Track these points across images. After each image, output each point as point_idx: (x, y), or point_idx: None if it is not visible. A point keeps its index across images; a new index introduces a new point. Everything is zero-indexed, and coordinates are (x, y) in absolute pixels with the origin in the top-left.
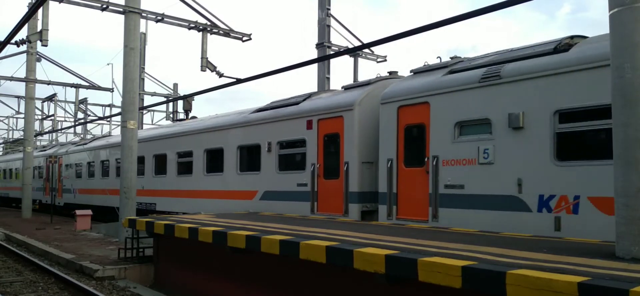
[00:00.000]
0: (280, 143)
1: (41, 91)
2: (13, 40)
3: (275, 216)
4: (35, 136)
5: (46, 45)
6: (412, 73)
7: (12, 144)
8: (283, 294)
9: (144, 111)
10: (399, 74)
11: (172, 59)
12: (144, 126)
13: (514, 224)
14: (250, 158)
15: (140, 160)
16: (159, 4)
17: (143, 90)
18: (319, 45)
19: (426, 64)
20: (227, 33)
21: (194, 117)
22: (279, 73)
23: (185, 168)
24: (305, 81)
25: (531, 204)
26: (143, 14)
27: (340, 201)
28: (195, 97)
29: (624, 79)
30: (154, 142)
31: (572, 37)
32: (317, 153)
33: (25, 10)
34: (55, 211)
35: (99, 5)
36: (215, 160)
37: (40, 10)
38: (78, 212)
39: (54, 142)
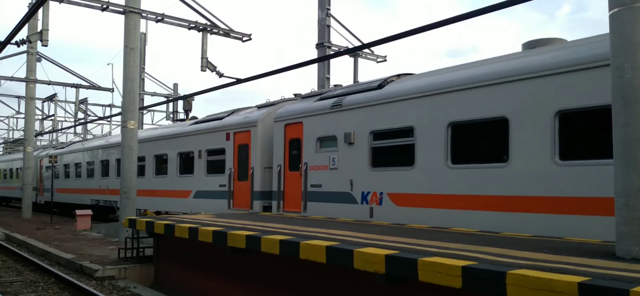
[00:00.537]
0: (208, 151)
1: (41, 91)
2: (13, 41)
3: (275, 216)
4: (36, 136)
5: (46, 46)
6: (299, 97)
7: (12, 144)
8: (283, 294)
9: (144, 111)
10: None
11: (172, 59)
12: (144, 126)
13: (348, 212)
14: (186, 163)
15: (108, 164)
16: (159, 4)
17: (143, 90)
18: (319, 46)
19: (312, 90)
20: (227, 33)
21: (194, 117)
22: (279, 73)
23: (140, 171)
24: (305, 81)
25: (357, 198)
26: (143, 14)
27: (248, 198)
28: (196, 97)
29: (624, 79)
30: (119, 148)
31: (398, 75)
32: (233, 160)
33: (25, 10)
34: (36, 208)
35: (99, 5)
36: (161, 164)
37: (40, 11)
38: (78, 212)
39: (40, 145)
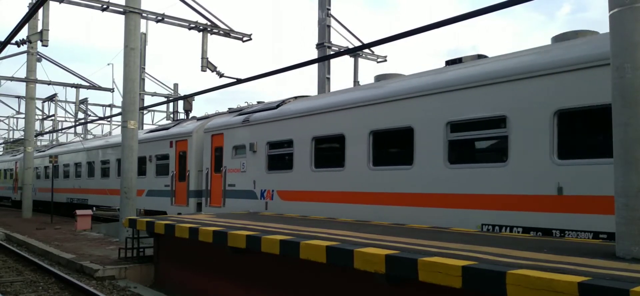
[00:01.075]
0: (156, 156)
1: (42, 91)
2: (13, 41)
3: (276, 216)
4: (36, 136)
5: (46, 46)
6: (228, 111)
7: (12, 144)
8: (283, 294)
9: (145, 111)
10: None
11: (172, 59)
12: (144, 126)
13: (252, 206)
14: (141, 166)
15: (80, 165)
16: (159, 4)
17: (143, 90)
18: (319, 46)
19: (238, 106)
20: (228, 33)
21: (194, 117)
22: (279, 73)
23: (106, 173)
24: (305, 81)
25: (258, 194)
26: (143, 14)
27: (185, 196)
28: (196, 98)
29: (624, 79)
30: (92, 151)
31: (295, 97)
32: (175, 164)
33: (25, 10)
34: (14, 205)
35: (100, 5)
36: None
37: (40, 11)
38: (78, 212)
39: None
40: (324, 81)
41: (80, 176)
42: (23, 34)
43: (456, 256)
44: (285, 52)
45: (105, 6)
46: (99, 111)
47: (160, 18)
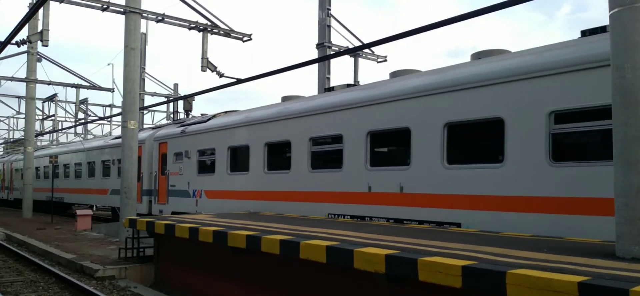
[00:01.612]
0: (118, 160)
1: (42, 91)
2: (14, 41)
3: (276, 216)
4: (36, 136)
5: (47, 46)
6: (173, 123)
7: (13, 144)
8: (283, 294)
9: (145, 111)
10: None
11: (172, 59)
12: (144, 126)
13: (187, 203)
14: (105, 168)
15: (61, 167)
16: (160, 4)
17: (143, 90)
18: (319, 46)
19: (184, 118)
20: (228, 33)
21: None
22: (279, 73)
23: (79, 174)
24: (305, 81)
25: (191, 193)
26: (143, 14)
27: (140, 195)
28: (196, 98)
29: (624, 79)
30: (68, 155)
31: (226, 111)
32: (146, 165)
33: (25, 10)
34: (3, 203)
35: (100, 5)
36: (92, 169)
37: (40, 11)
38: (78, 212)
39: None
40: (324, 81)
41: (57, 176)
42: (23, 34)
43: (456, 256)
44: (285, 52)
45: (105, 6)
46: (99, 111)
47: (161, 18)
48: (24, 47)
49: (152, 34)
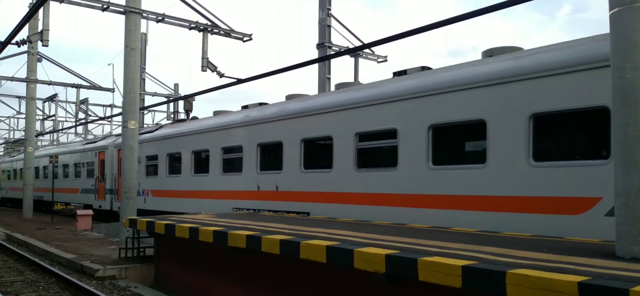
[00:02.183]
0: (87, 163)
1: (42, 91)
2: (14, 41)
3: (276, 216)
4: (36, 136)
5: (47, 46)
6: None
7: (13, 144)
8: (283, 294)
9: (145, 111)
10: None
11: (172, 60)
12: (145, 127)
13: (138, 202)
14: (76, 169)
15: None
16: (160, 4)
17: (144, 90)
18: (320, 46)
19: (158, 123)
20: (228, 33)
21: (195, 117)
22: (279, 73)
23: (56, 175)
24: (306, 81)
25: (141, 192)
26: (144, 14)
27: (103, 193)
28: (196, 98)
29: (624, 79)
30: (44, 158)
31: (172, 122)
32: (98, 169)
33: (26, 10)
34: None
35: (100, 5)
36: (66, 170)
37: (40, 11)
38: (79, 212)
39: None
40: (324, 81)
41: (38, 176)
42: (23, 34)
43: (456, 256)
44: (285, 53)
45: (105, 6)
46: (100, 111)
47: (161, 18)
48: (24, 47)
49: (152, 34)
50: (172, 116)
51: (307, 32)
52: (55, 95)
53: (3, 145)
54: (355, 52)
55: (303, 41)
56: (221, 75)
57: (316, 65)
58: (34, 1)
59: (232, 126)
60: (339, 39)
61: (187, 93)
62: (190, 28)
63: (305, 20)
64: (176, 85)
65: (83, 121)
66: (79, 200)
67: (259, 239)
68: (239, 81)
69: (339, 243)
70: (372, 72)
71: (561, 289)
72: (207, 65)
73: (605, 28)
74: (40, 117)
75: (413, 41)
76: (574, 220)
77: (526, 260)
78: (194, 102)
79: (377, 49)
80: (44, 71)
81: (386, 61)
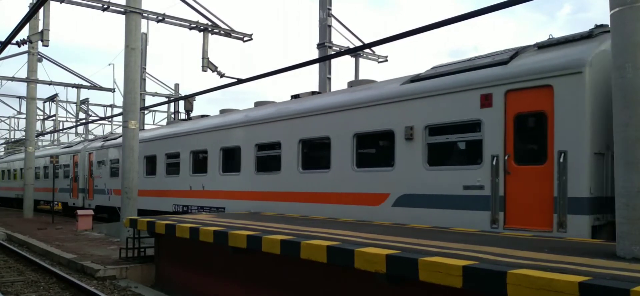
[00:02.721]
0: (64, 165)
1: (42, 91)
2: (14, 41)
3: (277, 216)
4: (37, 136)
5: (47, 46)
6: (102, 139)
7: (14, 144)
8: (284, 294)
9: (146, 112)
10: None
11: (173, 60)
12: (145, 127)
13: (104, 199)
14: (55, 170)
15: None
16: (160, 4)
17: (144, 90)
18: (320, 46)
19: (109, 133)
20: (228, 33)
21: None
22: (280, 73)
23: (38, 176)
24: (306, 81)
25: (106, 191)
26: (144, 14)
27: (77, 191)
28: (197, 98)
29: (625, 79)
30: (15, 162)
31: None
32: (72, 170)
33: (26, 10)
34: None
35: (100, 5)
36: (46, 172)
37: (41, 11)
38: (79, 212)
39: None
40: (325, 81)
41: (10, 178)
42: (24, 34)
43: (457, 256)
44: (285, 52)
45: (105, 6)
46: (100, 111)
47: (161, 18)
48: (25, 47)
49: (152, 34)
50: (172, 116)
51: (307, 32)
52: (55, 95)
53: (3, 145)
54: (355, 52)
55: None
56: (221, 75)
57: (316, 65)
58: (35, 1)
59: (173, 136)
60: (339, 39)
61: (188, 93)
62: (191, 28)
63: (306, 20)
64: (177, 85)
65: (83, 121)
66: (57, 198)
67: (260, 239)
68: (239, 81)
69: (340, 243)
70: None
71: (562, 289)
72: (208, 65)
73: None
74: (41, 118)
75: (413, 41)
76: (377, 209)
77: (527, 260)
78: (194, 102)
79: (378, 49)
80: (44, 71)
81: (386, 61)
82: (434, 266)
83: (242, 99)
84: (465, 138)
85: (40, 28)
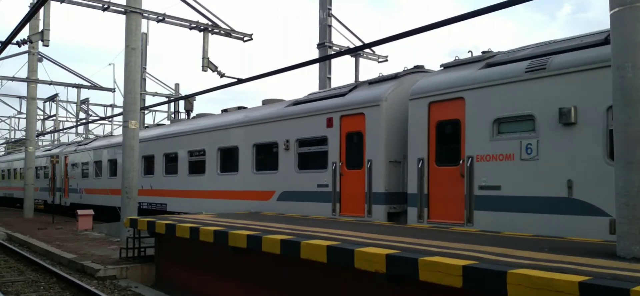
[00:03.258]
0: (43, 167)
1: (43, 91)
2: (14, 41)
3: (277, 216)
4: (37, 136)
5: (47, 46)
6: (76, 144)
7: (14, 144)
8: (284, 293)
9: (146, 111)
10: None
11: (173, 59)
12: (146, 126)
13: (77, 198)
14: (36, 172)
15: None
16: (160, 4)
17: (144, 90)
18: (320, 46)
19: (86, 137)
20: (229, 33)
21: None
22: (280, 73)
23: (22, 176)
24: (306, 81)
25: (78, 190)
26: (144, 14)
27: (54, 190)
28: (197, 97)
29: (625, 79)
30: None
31: (104, 136)
32: (51, 171)
33: (26, 10)
34: None
35: (100, 5)
36: (16, 173)
37: (41, 10)
38: (80, 212)
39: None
40: (325, 81)
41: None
42: (24, 34)
43: (457, 256)
44: (286, 52)
45: (106, 6)
46: (100, 111)
47: (161, 18)
48: (25, 47)
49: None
50: (172, 115)
51: (307, 32)
52: (56, 95)
53: (4, 145)
54: (355, 52)
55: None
56: (222, 75)
57: (317, 65)
58: (35, 1)
59: (118, 145)
60: (339, 38)
61: (188, 93)
62: (191, 28)
63: (306, 20)
64: (177, 85)
65: (84, 120)
66: (38, 196)
67: (260, 239)
68: (240, 81)
69: (340, 243)
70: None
71: (562, 289)
72: (208, 65)
73: (605, 27)
74: (41, 117)
75: (414, 41)
76: (267, 203)
77: (527, 259)
78: (194, 102)
79: (378, 49)
80: (44, 70)
81: (387, 60)
82: (434, 266)
83: (243, 98)
84: (318, 149)
85: (41, 28)
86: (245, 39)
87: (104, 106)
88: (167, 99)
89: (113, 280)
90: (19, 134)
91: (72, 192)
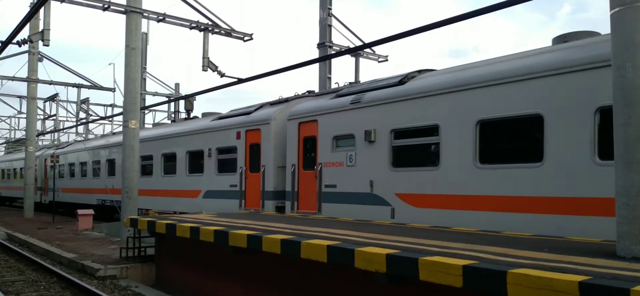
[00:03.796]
0: (21, 168)
1: (43, 90)
2: (15, 40)
3: (277, 216)
4: (37, 135)
5: (48, 45)
6: (55, 147)
7: (14, 144)
8: (284, 293)
9: (146, 111)
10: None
11: (173, 59)
12: (145, 126)
13: (56, 196)
14: (21, 172)
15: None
16: (161, 4)
17: (145, 90)
18: (320, 45)
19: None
20: (229, 33)
21: (195, 117)
22: (280, 73)
23: (8, 176)
24: (306, 81)
25: (56, 190)
26: (144, 14)
27: (37, 190)
28: (197, 97)
29: (625, 79)
30: (5, 162)
31: (82, 140)
32: (35, 175)
33: (27, 10)
34: None
35: (101, 5)
36: (16, 172)
37: (41, 10)
38: (80, 212)
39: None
40: (325, 80)
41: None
42: (24, 33)
43: (457, 256)
44: (286, 52)
45: (106, 6)
46: (101, 111)
47: (162, 18)
48: (25, 47)
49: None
50: (172, 115)
51: (307, 32)
52: (56, 95)
53: (4, 145)
54: (356, 51)
55: (303, 41)
56: (222, 75)
57: (317, 65)
58: (35, 1)
59: (89, 149)
60: (339, 38)
61: (188, 93)
62: (191, 28)
63: (306, 20)
64: (177, 85)
65: (84, 120)
66: (21, 195)
67: (260, 238)
68: (240, 81)
69: (340, 243)
70: (373, 72)
71: (562, 289)
72: (208, 65)
73: (605, 27)
74: (41, 117)
75: (414, 41)
76: (196, 200)
77: (527, 259)
78: (194, 101)
79: (378, 49)
80: (45, 70)
81: (387, 60)
82: (434, 266)
83: (243, 98)
84: (231, 157)
85: (41, 28)
86: (246, 38)
87: (104, 105)
88: (167, 99)
89: (113, 279)
90: (19, 134)
91: (50, 191)
